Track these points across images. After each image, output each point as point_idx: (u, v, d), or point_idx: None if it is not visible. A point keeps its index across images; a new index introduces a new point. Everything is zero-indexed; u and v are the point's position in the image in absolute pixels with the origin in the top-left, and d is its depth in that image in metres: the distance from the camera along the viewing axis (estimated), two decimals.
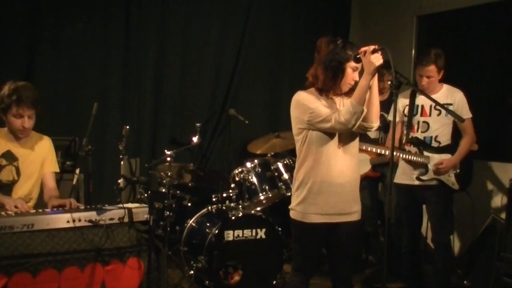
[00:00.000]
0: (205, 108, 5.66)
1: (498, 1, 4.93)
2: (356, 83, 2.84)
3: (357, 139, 3.01)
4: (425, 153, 3.86)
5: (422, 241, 4.44)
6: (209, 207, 4.40)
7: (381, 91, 4.00)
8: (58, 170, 3.61)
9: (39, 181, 3.48)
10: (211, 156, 5.74)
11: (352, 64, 2.86)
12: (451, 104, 3.81)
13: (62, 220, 2.98)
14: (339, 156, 2.92)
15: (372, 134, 4.56)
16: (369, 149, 4.01)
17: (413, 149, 3.89)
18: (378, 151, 4.02)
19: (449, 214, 3.96)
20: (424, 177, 3.86)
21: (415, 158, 3.85)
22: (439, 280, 3.92)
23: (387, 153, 3.97)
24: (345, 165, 2.93)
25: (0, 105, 3.27)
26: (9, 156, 3.35)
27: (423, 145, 3.88)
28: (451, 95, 3.86)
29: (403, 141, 3.93)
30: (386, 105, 4.14)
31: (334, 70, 2.86)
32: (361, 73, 2.82)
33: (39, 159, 3.46)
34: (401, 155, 3.85)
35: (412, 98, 3.92)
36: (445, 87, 3.91)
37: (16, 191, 3.38)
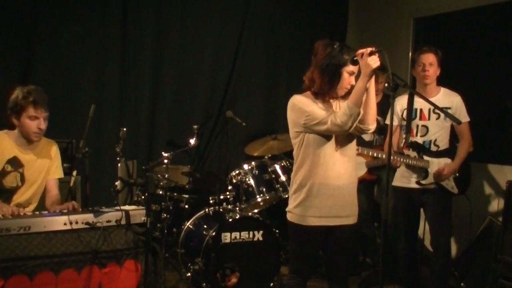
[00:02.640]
0: (202, 110, 5.66)
1: (495, 3, 4.94)
2: (352, 87, 2.85)
3: (354, 142, 3.01)
4: (425, 157, 3.86)
5: (419, 243, 4.44)
6: (206, 209, 4.40)
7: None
8: (62, 176, 3.60)
9: (42, 187, 3.48)
10: (208, 158, 5.73)
11: (348, 68, 2.85)
12: (449, 108, 3.81)
13: (59, 223, 2.98)
14: (336, 159, 2.92)
15: (367, 136, 4.56)
16: (369, 152, 4.01)
17: (412, 153, 3.90)
18: (378, 155, 4.02)
19: (448, 217, 3.96)
20: (424, 182, 3.86)
21: (415, 162, 3.85)
22: (437, 282, 3.93)
23: (384, 156, 3.98)
24: (342, 167, 2.93)
25: (14, 108, 3.27)
26: (15, 163, 3.34)
27: (422, 149, 3.88)
28: (449, 99, 3.87)
29: (402, 144, 3.94)
30: (379, 108, 4.14)
31: (330, 74, 2.86)
32: (358, 76, 2.83)
33: (45, 166, 3.46)
34: (401, 159, 3.85)
35: (410, 102, 3.92)
36: (443, 90, 3.92)
37: (17, 196, 3.38)
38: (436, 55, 3.83)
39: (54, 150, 3.52)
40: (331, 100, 2.98)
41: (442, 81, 3.93)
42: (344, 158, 2.94)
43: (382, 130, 4.47)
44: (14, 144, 3.34)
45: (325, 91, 2.91)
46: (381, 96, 4.58)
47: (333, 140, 2.91)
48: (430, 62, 3.82)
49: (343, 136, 2.93)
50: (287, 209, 3.03)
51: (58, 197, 3.48)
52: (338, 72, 2.85)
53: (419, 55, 3.89)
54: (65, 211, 3.14)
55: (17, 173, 3.34)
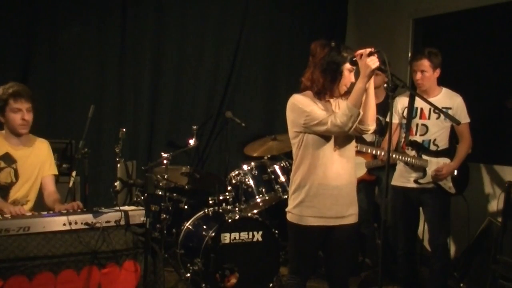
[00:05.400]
0: (201, 111, 5.66)
1: (495, 3, 4.94)
2: (353, 84, 2.86)
3: (353, 142, 3.02)
4: (424, 157, 3.87)
5: (418, 243, 4.45)
6: (206, 210, 4.41)
7: (376, 94, 4.02)
8: (57, 173, 3.62)
9: (38, 184, 3.49)
10: (207, 158, 5.73)
11: (347, 66, 2.87)
12: (450, 108, 3.81)
13: (58, 223, 2.98)
14: (335, 159, 2.92)
15: (368, 137, 4.56)
16: (368, 150, 4.00)
17: (411, 152, 3.90)
18: (377, 152, 4.02)
19: (446, 217, 3.96)
20: (422, 181, 3.86)
21: (413, 161, 3.85)
22: (436, 283, 3.93)
23: (383, 154, 3.98)
24: (341, 168, 2.93)
25: None
26: (8, 159, 3.36)
27: (421, 148, 3.88)
28: (450, 99, 3.87)
29: (401, 143, 3.94)
30: (381, 108, 4.14)
31: (332, 73, 2.87)
32: (356, 76, 2.83)
33: (38, 161, 3.47)
34: (399, 157, 3.85)
35: (411, 101, 3.92)
36: (444, 90, 3.91)
37: (13, 193, 3.39)
38: (429, 60, 3.77)
39: (46, 148, 3.55)
40: (331, 100, 2.98)
41: (442, 81, 3.92)
42: (343, 158, 2.94)
43: (383, 130, 4.46)
44: (4, 141, 3.38)
45: (328, 90, 2.91)
46: (383, 97, 4.55)
47: (332, 141, 2.91)
48: (422, 69, 3.79)
49: (342, 137, 2.93)
50: (286, 209, 3.03)
51: (57, 194, 3.48)
52: (339, 71, 2.87)
53: (412, 61, 3.87)
54: (65, 211, 3.14)
55: (11, 168, 3.36)
